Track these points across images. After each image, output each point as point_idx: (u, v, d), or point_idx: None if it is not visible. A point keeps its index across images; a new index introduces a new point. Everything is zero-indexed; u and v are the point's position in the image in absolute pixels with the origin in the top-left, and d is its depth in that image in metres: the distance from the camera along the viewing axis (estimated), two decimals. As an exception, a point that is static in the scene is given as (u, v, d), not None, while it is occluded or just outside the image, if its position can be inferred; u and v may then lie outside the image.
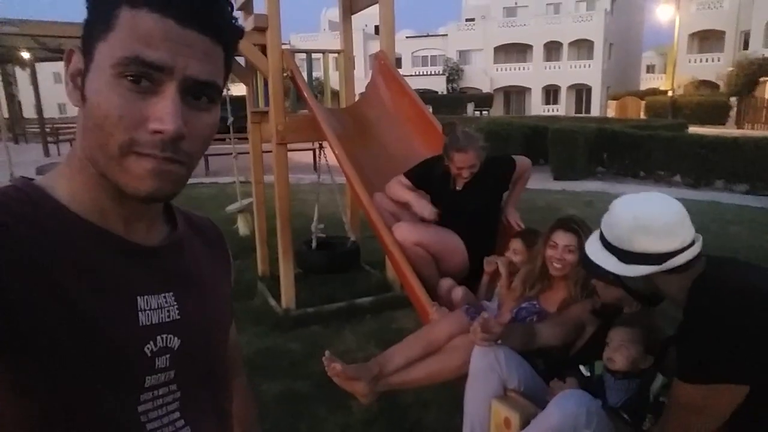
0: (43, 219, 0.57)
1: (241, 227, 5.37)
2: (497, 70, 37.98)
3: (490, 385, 1.89)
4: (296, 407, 3.03)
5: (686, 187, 11.22)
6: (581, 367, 1.94)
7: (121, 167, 0.57)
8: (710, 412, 1.32)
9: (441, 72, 39.16)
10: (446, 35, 40.62)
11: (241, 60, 4.41)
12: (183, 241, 0.70)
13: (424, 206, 2.82)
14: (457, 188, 2.89)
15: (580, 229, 2.32)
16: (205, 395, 0.70)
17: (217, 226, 0.82)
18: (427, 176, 2.97)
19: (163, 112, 0.56)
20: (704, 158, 11.27)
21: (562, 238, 2.29)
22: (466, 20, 41.67)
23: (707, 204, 9.39)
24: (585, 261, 2.25)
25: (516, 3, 40.21)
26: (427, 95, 35.67)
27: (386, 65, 4.09)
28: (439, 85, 38.45)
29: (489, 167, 2.86)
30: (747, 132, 18.80)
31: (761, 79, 23.99)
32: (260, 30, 3.82)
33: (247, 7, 4.42)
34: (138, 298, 0.61)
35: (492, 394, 1.88)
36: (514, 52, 38.09)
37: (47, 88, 22.90)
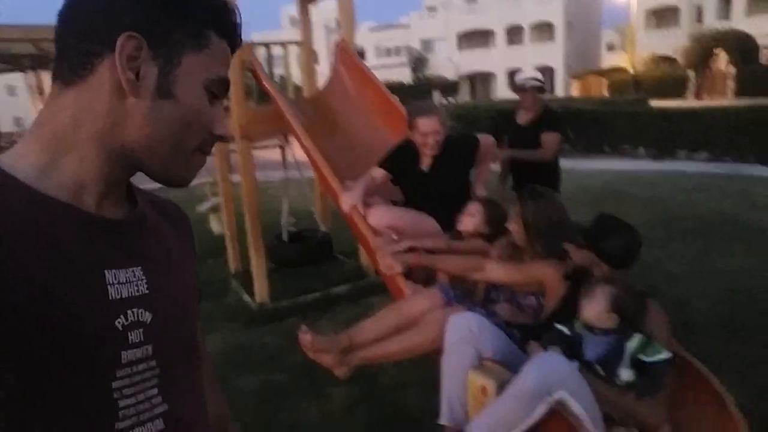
0: (2, 197, 0.57)
1: (215, 226, 5.32)
2: (461, 56, 38.13)
3: (465, 357, 1.92)
4: (276, 399, 3.03)
5: (650, 159, 11.48)
6: (558, 326, 1.98)
7: (186, 161, 0.67)
8: None
9: (405, 62, 39.13)
10: (408, 25, 40.59)
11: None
12: (146, 217, 0.71)
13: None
14: (425, 169, 2.91)
15: (545, 198, 2.37)
16: (182, 372, 0.70)
17: (181, 207, 0.83)
18: (397, 161, 2.97)
19: (221, 119, 0.69)
20: (666, 130, 11.54)
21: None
22: (428, 9, 41.70)
23: (671, 174, 9.62)
24: (559, 226, 2.31)
25: (476, -12, 40.36)
26: (393, 86, 35.70)
27: (348, 53, 4.07)
28: (405, 76, 38.44)
29: (453, 146, 2.88)
30: (705, 103, 19.28)
31: (715, 50, 24.58)
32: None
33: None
34: (105, 272, 0.61)
35: (468, 365, 1.91)
36: (476, 38, 38.28)
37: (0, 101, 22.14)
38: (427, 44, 39.67)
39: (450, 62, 38.15)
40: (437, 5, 41.06)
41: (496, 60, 36.88)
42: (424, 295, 2.26)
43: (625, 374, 1.80)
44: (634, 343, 1.80)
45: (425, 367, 2.61)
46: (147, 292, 0.65)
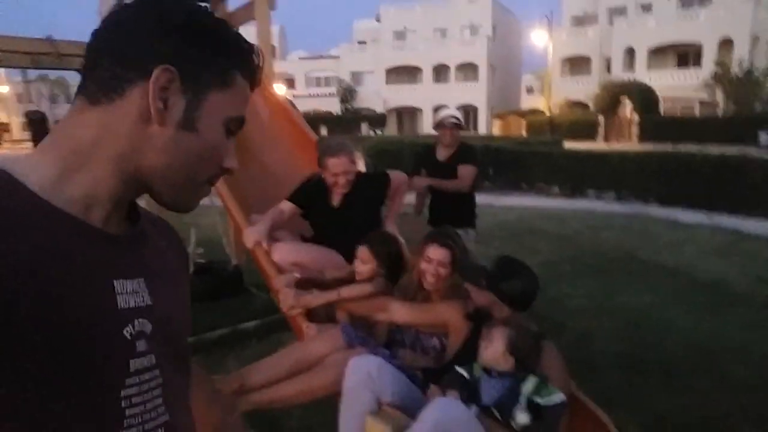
0: (15, 206, 0.57)
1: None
2: (389, 91, 38.95)
3: (363, 401, 1.85)
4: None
5: (563, 197, 12.07)
6: (458, 369, 1.95)
7: (195, 190, 0.70)
8: None
9: (334, 93, 39.46)
10: (339, 57, 41.09)
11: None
12: (147, 233, 0.73)
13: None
14: (335, 205, 2.87)
15: (454, 242, 2.37)
16: (178, 382, 0.72)
17: (171, 225, 0.85)
18: (307, 196, 2.92)
19: (233, 153, 0.72)
20: (577, 170, 12.21)
21: (436, 253, 2.31)
22: (358, 42, 42.48)
23: (581, 212, 10.16)
24: (459, 265, 2.31)
25: (405, 27, 41.59)
26: (322, 115, 35.86)
27: (263, 83, 4.00)
28: (333, 106, 38.71)
29: (364, 183, 2.87)
30: (613, 146, 20.69)
31: (621, 98, 26.57)
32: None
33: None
34: (114, 281, 0.63)
35: (366, 409, 1.84)
36: (404, 74, 39.29)
37: None
38: (356, 76, 40.27)
39: (378, 96, 38.85)
40: (367, 39, 41.94)
41: (422, 96, 37.92)
42: (326, 336, 2.18)
43: (521, 417, 1.79)
44: (529, 385, 1.80)
45: (333, 409, 2.51)
46: (150, 303, 0.66)
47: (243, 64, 0.69)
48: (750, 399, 3.30)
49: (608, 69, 32.88)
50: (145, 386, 0.64)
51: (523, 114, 32.92)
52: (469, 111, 37.87)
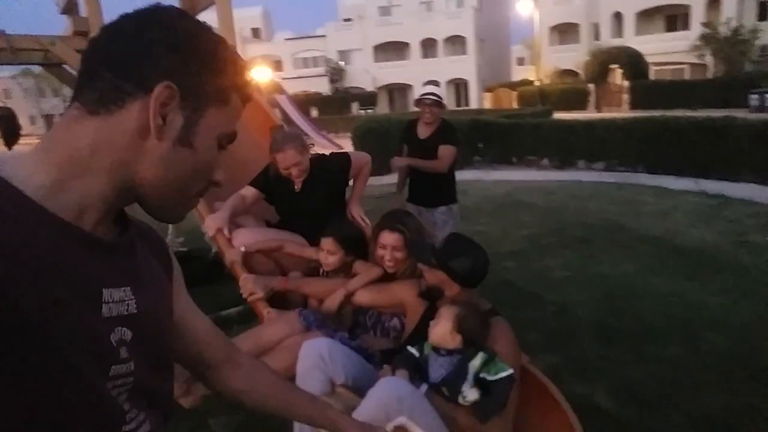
0: (8, 209, 0.58)
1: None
2: (378, 68, 38.60)
3: (316, 384, 1.86)
4: None
5: (553, 169, 12.05)
6: (409, 348, 1.97)
7: (185, 202, 0.73)
8: None
9: (323, 73, 39.09)
10: (325, 36, 40.61)
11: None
12: (135, 241, 0.74)
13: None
14: (296, 189, 2.86)
15: (404, 225, 2.37)
16: (153, 389, 0.73)
17: (156, 231, 0.86)
18: (268, 181, 2.91)
19: (221, 166, 0.74)
20: (566, 141, 12.15)
21: (387, 238, 2.33)
22: (344, 20, 41.95)
23: (569, 183, 10.15)
24: (410, 247, 2.32)
25: (390, 2, 41.05)
26: (312, 96, 35.56)
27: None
28: (323, 86, 38.41)
29: (323, 165, 2.86)
30: (604, 115, 20.58)
31: (611, 66, 26.37)
32: (82, 34, 3.55)
33: (71, 11, 4.09)
34: (103, 290, 0.64)
35: (318, 391, 1.85)
36: (392, 50, 38.91)
37: None
38: (344, 55, 39.86)
39: (367, 74, 38.51)
40: (353, 16, 41.41)
41: (412, 72, 37.62)
42: (283, 320, 2.19)
43: (470, 393, 1.81)
44: (477, 362, 1.82)
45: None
46: (135, 312, 0.68)
47: (239, 83, 0.72)
48: (722, 366, 3.33)
49: (597, 36, 32.55)
50: (117, 391, 0.65)
51: (513, 86, 32.69)
52: (460, 85, 37.61)
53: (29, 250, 0.57)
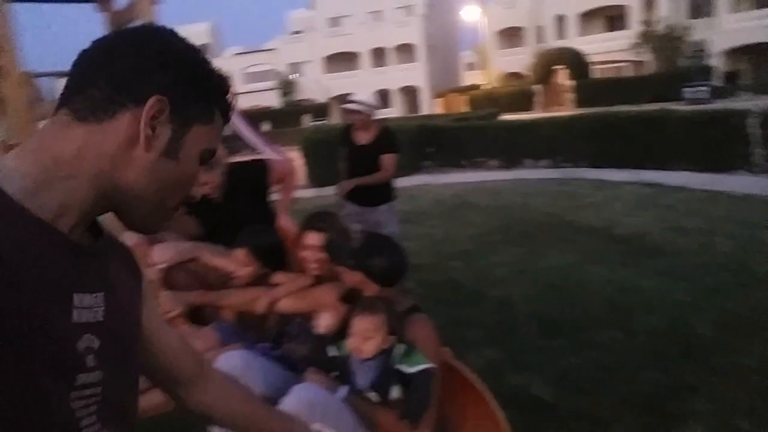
0: None
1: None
2: (329, 79, 38.62)
3: (231, 396, 1.82)
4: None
5: (501, 170, 12.25)
6: (329, 348, 1.94)
7: (163, 214, 0.75)
8: None
9: (274, 86, 38.86)
10: (275, 49, 40.42)
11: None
12: (108, 249, 0.75)
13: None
14: (215, 199, 2.80)
15: (328, 224, 2.35)
16: (122, 399, 0.73)
17: (129, 246, 0.87)
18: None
19: (197, 182, 0.78)
20: (513, 142, 12.41)
21: (312, 239, 2.30)
22: (293, 33, 41.86)
23: (516, 182, 10.33)
24: (329, 247, 2.30)
25: (339, 13, 41.23)
26: (264, 110, 35.29)
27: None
28: (274, 100, 38.16)
29: (242, 173, 2.81)
30: (544, 114, 21.12)
31: (556, 67, 27.15)
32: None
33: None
34: (75, 295, 0.64)
35: (234, 405, 1.81)
36: (343, 60, 39.04)
37: None
38: (294, 67, 39.73)
39: (319, 85, 38.49)
40: (302, 28, 41.38)
41: (362, 81, 37.76)
42: (199, 335, 2.14)
43: (394, 392, 1.80)
44: (399, 352, 1.81)
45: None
46: (102, 319, 0.67)
47: (223, 102, 0.77)
48: (656, 346, 3.43)
49: (541, 38, 33.46)
50: (83, 402, 0.64)
51: (463, 91, 33.24)
52: (411, 92, 38.02)
53: (5, 247, 0.58)
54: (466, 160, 13.24)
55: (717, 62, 26.84)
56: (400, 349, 1.81)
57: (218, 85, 0.76)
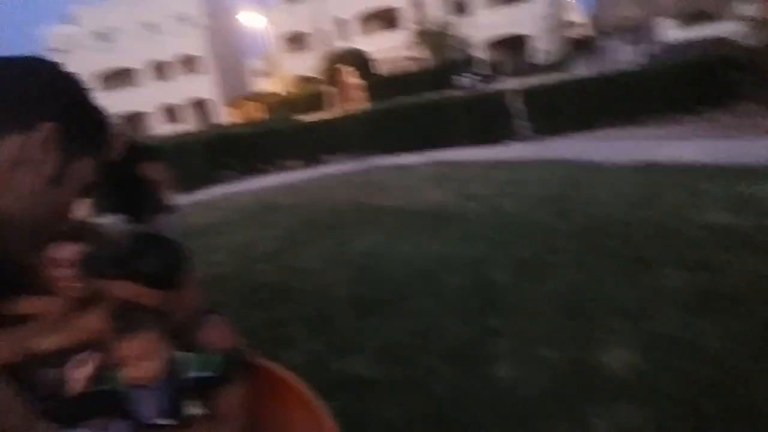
0: None
1: None
2: (107, 99, 35.09)
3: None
4: None
5: (302, 169, 12.23)
6: (100, 386, 1.56)
7: (34, 243, 0.82)
8: None
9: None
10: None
11: None
12: None
13: None
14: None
15: (81, 233, 1.95)
16: None
17: None
18: None
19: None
20: (312, 140, 12.50)
21: (62, 252, 1.86)
22: (51, 50, 37.08)
23: (318, 178, 10.36)
24: (87, 260, 1.90)
25: (107, 27, 37.60)
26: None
27: None
28: (44, 128, 33.58)
29: None
30: (336, 112, 21.79)
31: (344, 67, 28.17)
32: None
33: None
34: None
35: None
36: (120, 78, 35.80)
37: None
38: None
39: (95, 106, 34.84)
40: (63, 46, 36.89)
41: (146, 98, 35.15)
42: None
43: (192, 407, 1.49)
44: (184, 363, 1.51)
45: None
46: None
47: (107, 137, 0.81)
48: (462, 302, 3.60)
49: (326, 41, 34.45)
50: None
51: (257, 98, 32.78)
52: (202, 104, 36.38)
53: None
54: (268, 164, 13.02)
55: (481, 53, 30.35)
56: (187, 357, 1.52)
57: (103, 121, 0.78)
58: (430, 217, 5.86)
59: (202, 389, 1.55)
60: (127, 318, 1.61)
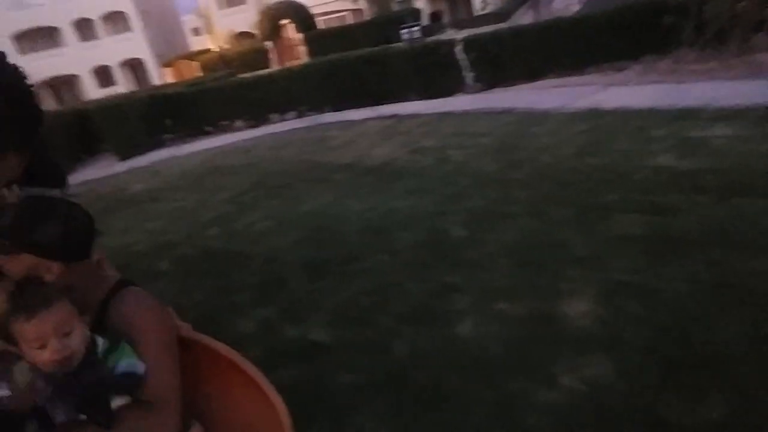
0: None
1: None
2: (28, 61, 32.54)
3: None
4: None
5: (249, 129, 11.75)
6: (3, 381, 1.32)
7: None
8: None
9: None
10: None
11: None
12: None
13: None
14: None
15: None
16: None
17: None
18: None
19: None
20: (255, 99, 11.96)
21: None
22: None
23: (265, 138, 9.99)
24: None
25: (19, -18, 34.51)
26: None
27: None
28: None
29: None
30: (284, 67, 21.00)
31: (282, 21, 27.03)
32: None
33: None
34: None
35: None
36: (40, 37, 33.13)
37: None
38: (-25, 53, 32.46)
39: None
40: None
41: (73, 60, 32.80)
42: None
43: (119, 399, 1.29)
44: (102, 350, 1.30)
45: None
46: None
47: (35, 135, 0.82)
48: (417, 258, 3.50)
49: (262, -6, 32.92)
50: None
51: (193, 56, 31.17)
52: (135, 65, 34.35)
53: None
54: (210, 125, 12.45)
55: (422, 5, 29.70)
56: (103, 344, 1.30)
57: (38, 119, 0.80)
58: (380, 173, 5.71)
59: (132, 384, 1.33)
60: (26, 295, 1.36)
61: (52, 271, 1.47)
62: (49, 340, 1.25)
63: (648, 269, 2.68)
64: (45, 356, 1.26)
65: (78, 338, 1.28)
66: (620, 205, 3.53)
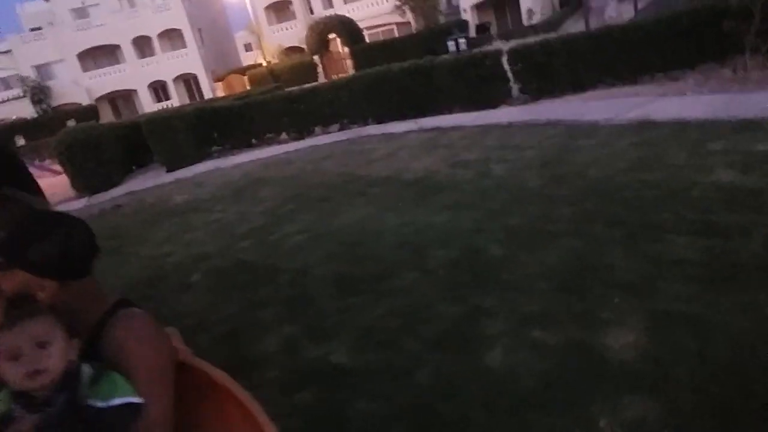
0: None
1: None
2: (91, 78, 34.20)
3: None
4: None
5: (293, 141, 11.84)
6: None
7: None
8: None
9: (22, 94, 33.26)
10: (10, 51, 34.41)
11: None
12: None
13: None
14: None
15: None
16: None
17: None
18: None
19: None
20: (300, 112, 12.06)
21: None
22: (31, 30, 35.95)
23: (307, 150, 10.02)
24: None
25: (83, 3, 36.40)
26: (16, 123, 30.20)
27: None
28: (26, 110, 32.74)
29: None
30: (326, 82, 21.20)
31: (329, 36, 27.38)
32: None
33: None
34: None
35: None
36: (102, 55, 34.79)
37: None
38: (43, 70, 34.35)
39: (78, 86, 33.88)
40: (41, 24, 35.73)
41: (131, 75, 34.25)
42: None
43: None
44: (86, 378, 1.19)
45: None
46: None
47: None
48: (451, 277, 3.33)
49: (310, 9, 33.52)
50: None
51: (243, 71, 31.99)
52: (189, 80, 35.56)
53: None
54: (256, 138, 12.62)
55: (469, 16, 29.50)
56: (87, 373, 1.20)
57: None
58: (420, 187, 5.57)
59: (94, 419, 1.21)
60: (12, 310, 1.28)
61: (44, 288, 1.39)
62: (23, 351, 1.16)
63: (703, 298, 2.41)
64: (15, 369, 1.17)
65: (56, 357, 1.18)
66: (673, 226, 3.24)
